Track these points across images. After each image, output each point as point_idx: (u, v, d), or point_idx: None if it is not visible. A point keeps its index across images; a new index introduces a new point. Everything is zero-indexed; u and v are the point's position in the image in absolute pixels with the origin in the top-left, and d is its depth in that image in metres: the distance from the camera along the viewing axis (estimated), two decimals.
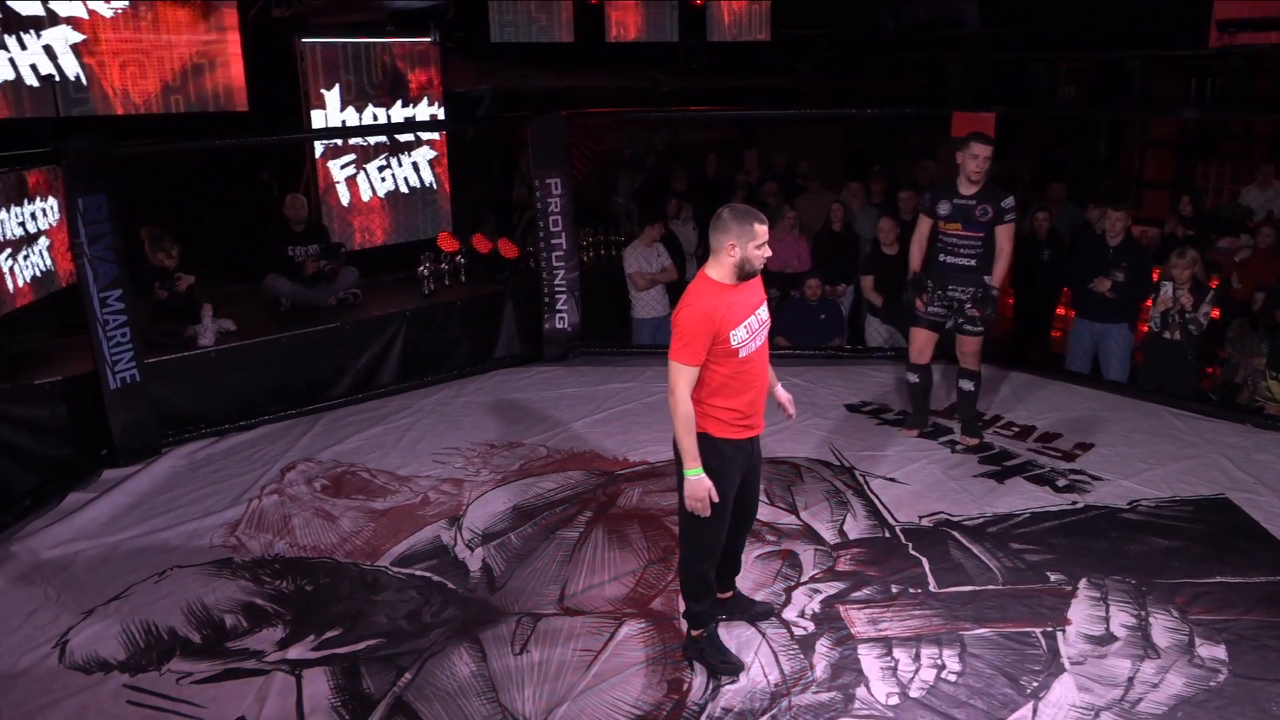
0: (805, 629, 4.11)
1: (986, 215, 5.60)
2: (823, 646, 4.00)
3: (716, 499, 3.58)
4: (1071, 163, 11.60)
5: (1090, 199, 8.07)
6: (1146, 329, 6.64)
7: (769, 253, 3.58)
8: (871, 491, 5.35)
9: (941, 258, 5.80)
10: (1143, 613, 4.16)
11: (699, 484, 3.54)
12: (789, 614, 4.22)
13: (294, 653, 4.05)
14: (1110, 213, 6.73)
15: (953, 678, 3.78)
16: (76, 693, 3.83)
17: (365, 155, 8.53)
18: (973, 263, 5.71)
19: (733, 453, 3.65)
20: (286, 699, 3.76)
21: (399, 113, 8.67)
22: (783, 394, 4.00)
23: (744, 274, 3.55)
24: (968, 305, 5.73)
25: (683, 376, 3.49)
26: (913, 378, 6.12)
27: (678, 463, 3.62)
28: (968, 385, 5.95)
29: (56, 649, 4.12)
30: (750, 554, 4.58)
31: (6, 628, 4.28)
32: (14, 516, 5.31)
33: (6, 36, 6.86)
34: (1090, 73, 12.19)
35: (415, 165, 8.88)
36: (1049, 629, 4.06)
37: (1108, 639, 3.99)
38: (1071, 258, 7.14)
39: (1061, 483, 5.41)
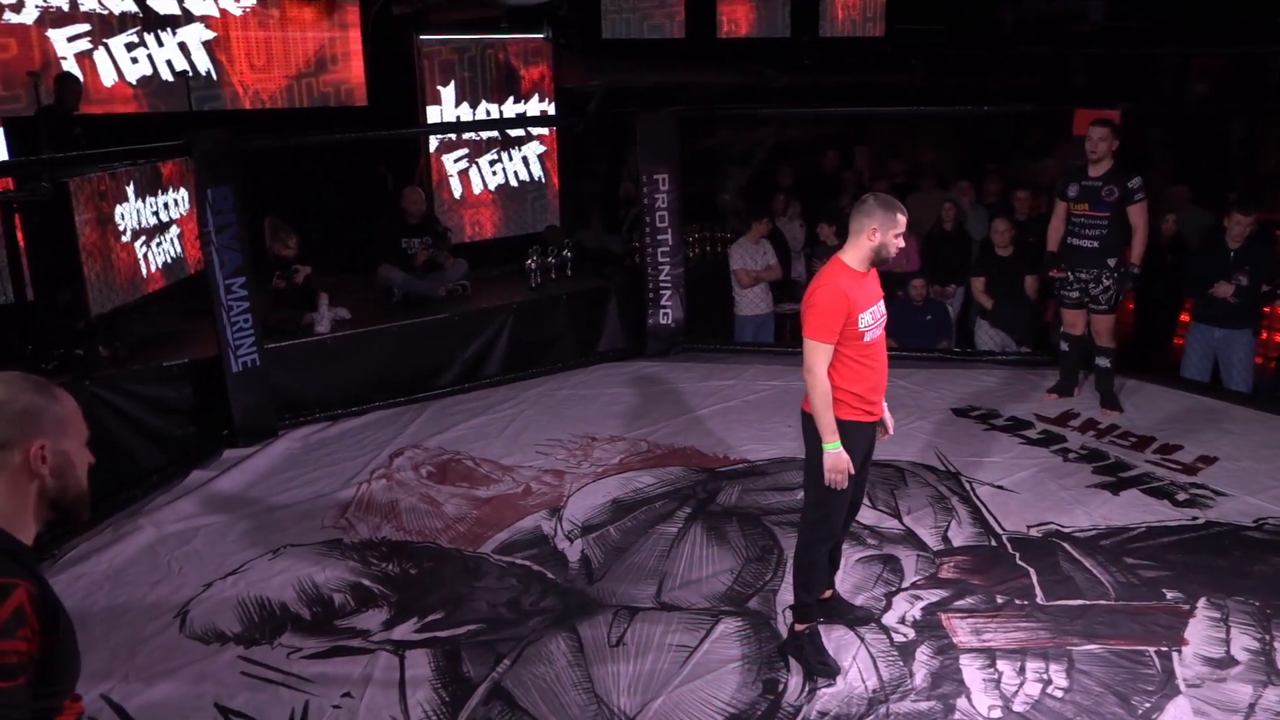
0: (905, 636, 4.04)
1: (1113, 195, 5.88)
2: (923, 654, 3.92)
3: (854, 471, 3.66)
4: (1198, 163, 11.06)
5: (1221, 205, 7.69)
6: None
7: (903, 243, 3.74)
8: (977, 498, 5.21)
9: (1069, 240, 6.13)
10: (1267, 636, 3.95)
11: (839, 457, 3.62)
12: (889, 620, 4.15)
13: (398, 634, 4.17)
14: (1235, 214, 6.41)
15: (1059, 693, 3.67)
16: (195, 661, 4.01)
17: (478, 150, 8.69)
18: (1095, 244, 5.99)
19: (857, 434, 3.73)
20: (390, 678, 3.87)
21: (511, 109, 8.81)
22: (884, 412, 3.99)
23: (877, 259, 3.68)
24: (1091, 285, 6.05)
25: (820, 354, 3.59)
26: (1064, 345, 6.49)
27: (810, 441, 3.70)
28: (1104, 362, 6.29)
29: (178, 619, 4.32)
30: (851, 557, 4.53)
31: (133, 597, 4.51)
32: (142, 491, 5.59)
33: (145, 34, 7.22)
34: (1221, 69, 11.61)
35: (525, 160, 9.01)
36: (1164, 648, 3.90)
37: (1228, 662, 3.81)
38: (1190, 261, 6.83)
39: (1182, 497, 5.18)
